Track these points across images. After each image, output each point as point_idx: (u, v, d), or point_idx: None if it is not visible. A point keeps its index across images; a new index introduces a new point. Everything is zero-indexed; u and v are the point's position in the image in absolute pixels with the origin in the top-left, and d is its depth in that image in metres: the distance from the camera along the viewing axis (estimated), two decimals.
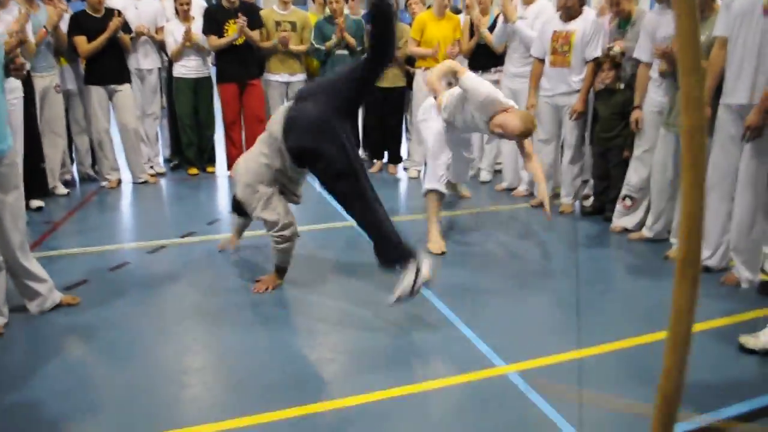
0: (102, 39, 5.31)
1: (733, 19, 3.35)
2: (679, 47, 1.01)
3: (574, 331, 3.02)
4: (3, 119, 2.86)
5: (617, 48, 4.43)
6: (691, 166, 1.05)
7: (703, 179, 1.05)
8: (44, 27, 4.94)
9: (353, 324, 3.13)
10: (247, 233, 4.10)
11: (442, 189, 4.10)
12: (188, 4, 5.85)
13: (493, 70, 5.61)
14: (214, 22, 5.83)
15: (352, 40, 5.97)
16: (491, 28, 5.48)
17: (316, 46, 6.04)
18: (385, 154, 6.54)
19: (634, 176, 4.35)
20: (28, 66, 4.73)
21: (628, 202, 4.42)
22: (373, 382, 2.56)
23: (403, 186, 6.04)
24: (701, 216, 1.06)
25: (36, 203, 4.96)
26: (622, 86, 4.46)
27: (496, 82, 5.59)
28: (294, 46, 6.02)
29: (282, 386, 2.55)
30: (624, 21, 4.52)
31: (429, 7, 6.08)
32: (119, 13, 5.41)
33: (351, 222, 4.67)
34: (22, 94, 4.42)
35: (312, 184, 5.14)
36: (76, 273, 3.72)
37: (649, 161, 4.22)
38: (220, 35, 5.81)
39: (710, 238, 3.69)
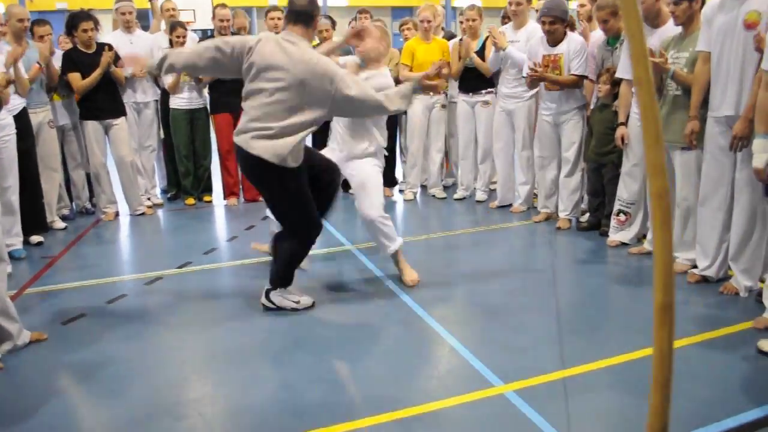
0: (95, 75, 5.36)
1: (715, 35, 3.41)
2: (644, 124, 1.08)
3: (571, 347, 3.01)
4: None
5: None
6: (661, 223, 1.10)
7: (671, 234, 1.12)
8: (37, 63, 4.99)
9: (347, 349, 3.12)
10: (244, 261, 4.10)
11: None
12: (184, 36, 5.92)
13: (483, 92, 5.72)
14: None
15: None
16: (481, 51, 5.57)
17: None
18: None
19: (624, 191, 4.38)
20: (23, 103, 4.78)
21: (622, 217, 4.43)
22: (369, 407, 2.55)
23: (399, 208, 6.06)
24: (672, 270, 1.13)
25: (36, 238, 4.96)
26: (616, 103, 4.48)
27: (487, 104, 5.69)
28: None
29: (278, 415, 2.53)
30: (613, 38, 4.56)
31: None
32: (110, 47, 5.47)
33: (347, 246, 4.70)
34: (14, 131, 4.45)
35: None
36: (74, 307, 3.70)
37: (639, 175, 4.25)
38: None
39: (707, 248, 3.69)
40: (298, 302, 3.56)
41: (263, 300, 3.57)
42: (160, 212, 6.11)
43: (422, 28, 5.84)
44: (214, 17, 6.11)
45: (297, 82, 3.20)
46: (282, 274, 3.54)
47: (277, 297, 3.55)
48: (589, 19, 5.19)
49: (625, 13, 1.08)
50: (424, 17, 5.81)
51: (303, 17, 3.35)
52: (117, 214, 5.84)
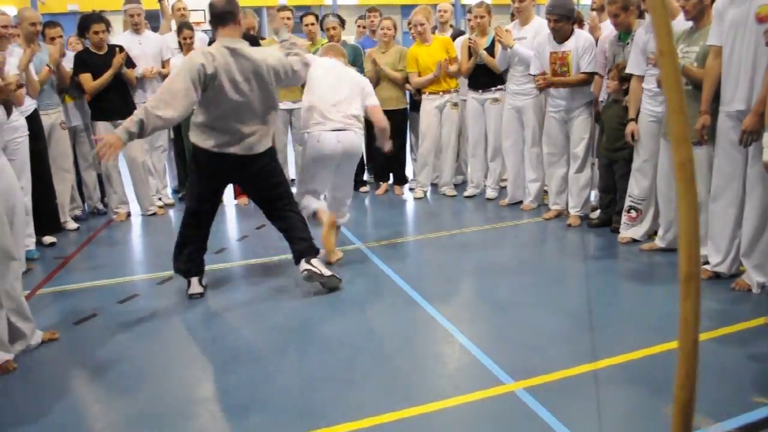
0: (107, 76, 5.40)
1: (727, 29, 3.38)
2: (666, 93, 1.09)
3: (582, 344, 2.99)
4: None
5: None
6: (684, 192, 1.11)
7: (696, 204, 1.13)
8: (47, 65, 5.03)
9: (356, 347, 3.12)
10: (254, 260, 4.11)
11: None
12: (191, 38, 5.94)
13: (493, 89, 5.70)
14: None
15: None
16: (490, 48, 5.56)
17: None
18: (390, 176, 6.58)
19: (635, 187, 4.35)
20: (34, 104, 4.82)
21: (633, 213, 4.40)
22: (379, 405, 2.55)
23: (409, 206, 6.06)
24: (698, 239, 1.13)
25: (49, 239, 5.01)
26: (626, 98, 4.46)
27: (497, 101, 5.67)
28: None
29: (288, 413, 2.54)
30: (624, 33, 4.53)
31: (434, 28, 6.20)
32: (121, 49, 5.51)
33: (357, 245, 4.71)
34: (27, 133, 4.48)
35: None
36: (86, 307, 3.74)
37: (649, 171, 4.23)
38: None
39: (719, 244, 3.66)
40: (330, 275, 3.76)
41: (306, 266, 3.70)
42: (171, 212, 6.15)
43: (417, 31, 5.88)
44: None
45: (260, 81, 3.55)
46: (310, 237, 3.83)
47: (318, 263, 3.76)
48: (602, 8, 5.16)
49: None
50: (417, 21, 5.86)
51: (228, 17, 3.55)
52: (128, 215, 5.89)
